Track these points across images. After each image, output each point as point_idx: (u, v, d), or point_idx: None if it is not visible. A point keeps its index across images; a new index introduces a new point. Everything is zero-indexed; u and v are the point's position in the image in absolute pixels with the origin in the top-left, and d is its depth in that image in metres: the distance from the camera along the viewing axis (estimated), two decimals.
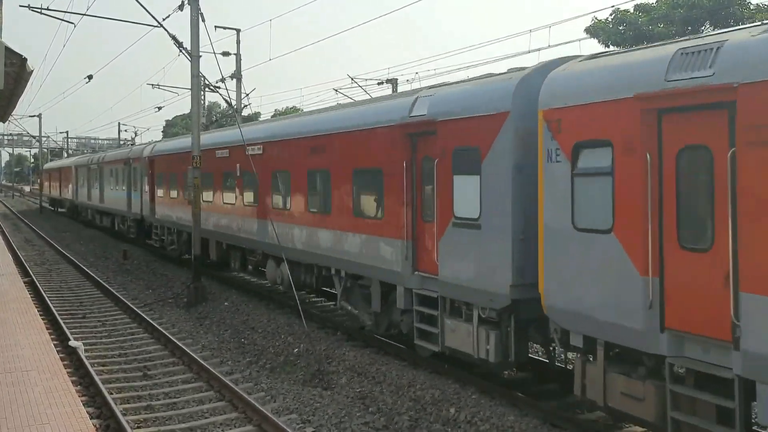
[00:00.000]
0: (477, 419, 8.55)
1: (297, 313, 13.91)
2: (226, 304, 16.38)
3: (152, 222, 24.93)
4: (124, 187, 28.49)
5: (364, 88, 27.46)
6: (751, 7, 30.13)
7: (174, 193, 21.68)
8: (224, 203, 17.79)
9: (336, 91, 28.00)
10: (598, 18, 33.81)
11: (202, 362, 11.22)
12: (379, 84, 30.12)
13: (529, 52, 27.81)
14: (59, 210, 53.34)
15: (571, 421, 8.27)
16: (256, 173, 15.31)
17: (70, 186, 44.04)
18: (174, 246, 22.39)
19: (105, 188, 32.50)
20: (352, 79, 27.28)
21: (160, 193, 23.43)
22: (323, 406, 9.49)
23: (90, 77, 26.86)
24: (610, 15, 33.41)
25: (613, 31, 32.85)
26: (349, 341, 12.63)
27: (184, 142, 21.54)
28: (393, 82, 30.62)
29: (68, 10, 20.49)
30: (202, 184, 17.95)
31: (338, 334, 13.15)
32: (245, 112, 31.81)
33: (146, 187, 25.06)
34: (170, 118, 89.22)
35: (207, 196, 18.67)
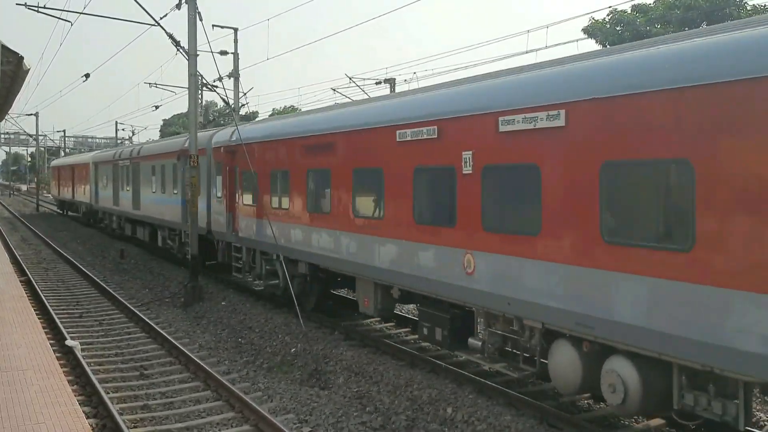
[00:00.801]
0: (474, 419, 8.55)
1: (294, 312, 13.90)
2: (223, 303, 16.36)
3: (230, 241, 16.96)
4: (175, 191, 20.95)
5: (362, 87, 27.47)
6: (748, 8, 30.22)
7: (281, 202, 14.02)
8: (422, 223, 9.87)
9: (334, 90, 28.01)
10: (596, 18, 33.91)
11: (199, 362, 11.21)
12: (377, 84, 30.17)
13: (527, 52, 27.92)
14: (68, 213, 46.16)
15: (567, 421, 8.28)
16: (539, 168, 7.81)
17: (88, 187, 36.12)
18: (277, 281, 14.83)
19: (142, 191, 25.01)
20: (350, 78, 27.31)
21: (247, 199, 15.68)
22: (320, 405, 9.49)
23: (87, 76, 26.78)
24: (608, 15, 33.50)
25: (611, 32, 32.94)
26: (347, 341, 12.62)
27: (305, 121, 13.56)
28: (391, 81, 30.65)
29: (65, 9, 20.46)
30: (361, 185, 11.33)
31: (335, 334, 13.14)
32: (242, 111, 31.78)
33: (220, 192, 17.35)
34: (168, 117, 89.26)
35: (365, 208, 11.18)
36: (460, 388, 9.57)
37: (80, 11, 19.95)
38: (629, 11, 32.99)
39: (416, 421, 8.83)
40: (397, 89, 29.35)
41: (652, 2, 33.15)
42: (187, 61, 17.66)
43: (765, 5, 30.09)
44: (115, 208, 29.95)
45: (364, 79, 28.40)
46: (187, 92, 18.32)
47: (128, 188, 27.16)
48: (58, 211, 49.83)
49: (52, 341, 12.04)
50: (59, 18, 20.93)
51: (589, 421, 8.36)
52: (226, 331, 14.12)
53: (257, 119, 16.45)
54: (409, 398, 9.51)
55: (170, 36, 17.90)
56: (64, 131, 75.73)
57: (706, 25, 30.20)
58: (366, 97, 23.93)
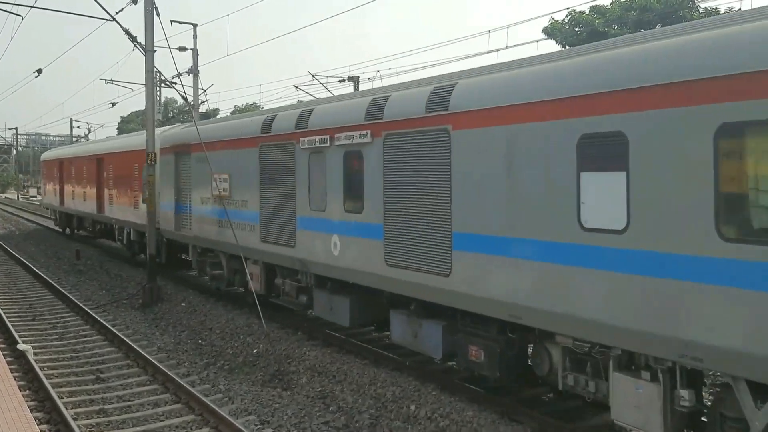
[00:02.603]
0: (437, 415, 8.59)
1: (256, 313, 13.73)
2: (183, 304, 16.06)
3: None
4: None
5: (325, 85, 27.34)
6: (700, 11, 31.19)
7: None
8: None
9: (297, 87, 27.83)
10: (555, 19, 34.53)
11: (158, 364, 10.97)
12: (340, 81, 30.09)
13: (489, 52, 28.22)
14: (77, 232, 29.99)
15: (528, 415, 8.38)
16: None
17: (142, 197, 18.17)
18: None
19: (479, 214, 8.07)
20: (313, 76, 27.15)
21: None
22: (282, 406, 9.38)
23: (39, 71, 25.99)
24: (567, 16, 34.14)
25: (570, 32, 33.58)
26: (310, 341, 12.53)
27: None
28: (354, 79, 30.61)
29: (15, 2, 19.83)
30: None
31: (299, 334, 13.03)
32: (202, 109, 31.27)
33: None
34: (125, 115, 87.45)
35: None
36: (424, 385, 9.59)
37: (31, 5, 19.35)
38: (587, 12, 33.68)
39: (380, 419, 8.81)
40: (361, 87, 29.29)
41: (609, 4, 33.90)
42: (144, 57, 17.27)
43: (716, 8, 31.08)
44: (287, 252, 12.23)
45: (327, 77, 28.30)
46: (144, 89, 17.91)
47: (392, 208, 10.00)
48: (58, 229, 32.77)
49: (2, 345, 11.65)
50: (9, 12, 20.27)
51: (548, 414, 8.48)
52: (186, 333, 13.86)
53: None
54: (372, 396, 9.49)
55: (126, 31, 17.47)
56: (15, 129, 73.40)
57: (661, 27, 31.08)
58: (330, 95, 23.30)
